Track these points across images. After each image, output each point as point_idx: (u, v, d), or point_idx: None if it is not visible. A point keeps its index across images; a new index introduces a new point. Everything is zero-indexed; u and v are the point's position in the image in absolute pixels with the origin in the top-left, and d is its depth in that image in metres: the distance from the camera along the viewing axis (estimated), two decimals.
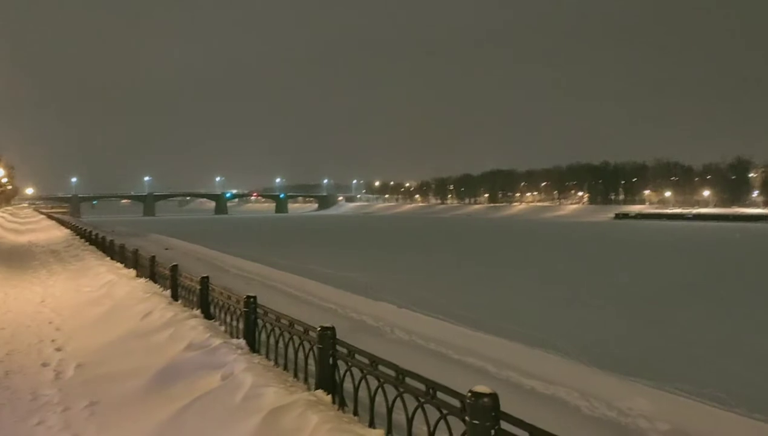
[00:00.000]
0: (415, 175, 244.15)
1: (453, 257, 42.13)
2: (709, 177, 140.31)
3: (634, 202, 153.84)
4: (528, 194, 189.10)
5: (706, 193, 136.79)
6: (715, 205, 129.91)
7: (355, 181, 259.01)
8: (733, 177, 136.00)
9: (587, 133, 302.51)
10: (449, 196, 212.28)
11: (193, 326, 8.13)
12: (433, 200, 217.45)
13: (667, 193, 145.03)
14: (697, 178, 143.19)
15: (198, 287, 9.47)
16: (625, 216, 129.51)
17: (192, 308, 9.65)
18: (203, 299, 9.24)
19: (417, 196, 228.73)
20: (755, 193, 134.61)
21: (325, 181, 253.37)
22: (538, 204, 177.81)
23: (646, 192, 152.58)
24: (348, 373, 4.86)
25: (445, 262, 38.37)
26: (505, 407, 3.20)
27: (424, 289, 24.00)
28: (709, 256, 43.91)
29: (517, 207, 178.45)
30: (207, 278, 9.41)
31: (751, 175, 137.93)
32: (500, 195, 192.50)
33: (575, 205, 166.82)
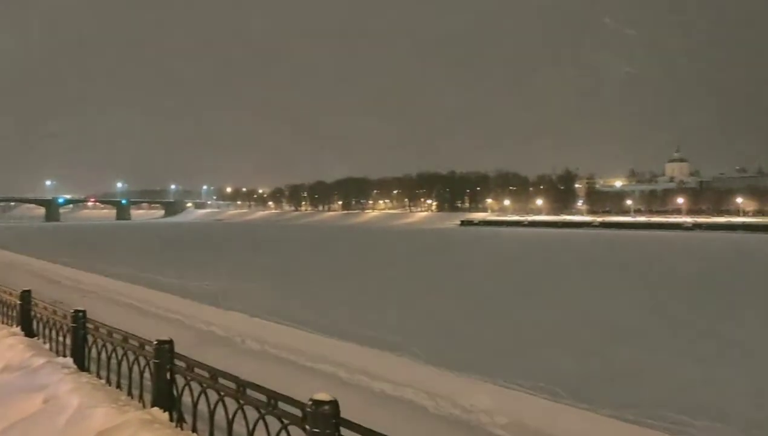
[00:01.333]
0: (268, 181, 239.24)
1: (309, 264, 41.99)
2: (542, 187, 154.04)
3: (477, 210, 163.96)
4: (380, 202, 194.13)
5: (540, 201, 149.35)
6: (547, 213, 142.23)
7: (205, 187, 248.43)
8: (562, 187, 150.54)
9: (436, 143, 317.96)
10: (303, 203, 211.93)
11: (10, 345, 7.29)
12: (286, 207, 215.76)
13: (507, 202, 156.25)
14: (531, 188, 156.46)
15: (18, 301, 8.50)
16: (470, 223, 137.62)
17: (11, 326, 8.64)
18: (24, 315, 8.30)
19: (270, 202, 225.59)
20: (580, 202, 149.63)
21: (173, 186, 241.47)
22: (390, 211, 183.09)
23: (489, 200, 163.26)
24: (187, 388, 4.59)
25: (300, 269, 38.11)
26: (354, 411, 3.18)
27: (278, 297, 23.62)
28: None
29: (370, 214, 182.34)
30: (29, 291, 8.48)
31: (576, 185, 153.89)
32: (353, 202, 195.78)
33: (425, 212, 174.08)
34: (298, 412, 3.34)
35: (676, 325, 18.68)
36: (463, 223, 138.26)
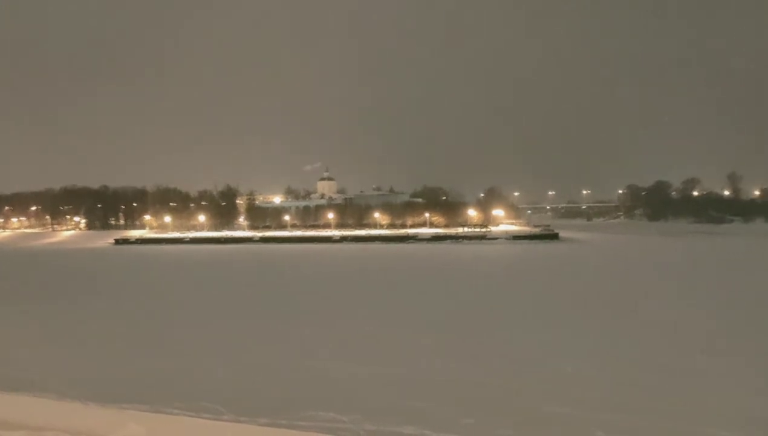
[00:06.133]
0: None
1: None
2: (203, 203, 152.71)
3: (135, 227, 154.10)
4: (14, 220, 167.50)
5: (202, 217, 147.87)
6: (209, 229, 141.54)
7: None
8: (224, 203, 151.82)
9: (84, 155, 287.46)
10: None
11: None
12: None
13: (167, 218, 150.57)
14: (193, 204, 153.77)
15: None
16: (126, 241, 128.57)
17: None
18: None
19: None
20: (242, 218, 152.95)
21: None
22: (28, 230, 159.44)
23: (147, 217, 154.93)
24: None
25: None
26: None
27: None
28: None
29: (1, 234, 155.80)
30: None
31: (238, 201, 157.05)
32: None
33: (72, 231, 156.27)
34: None
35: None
36: (118, 241, 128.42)
